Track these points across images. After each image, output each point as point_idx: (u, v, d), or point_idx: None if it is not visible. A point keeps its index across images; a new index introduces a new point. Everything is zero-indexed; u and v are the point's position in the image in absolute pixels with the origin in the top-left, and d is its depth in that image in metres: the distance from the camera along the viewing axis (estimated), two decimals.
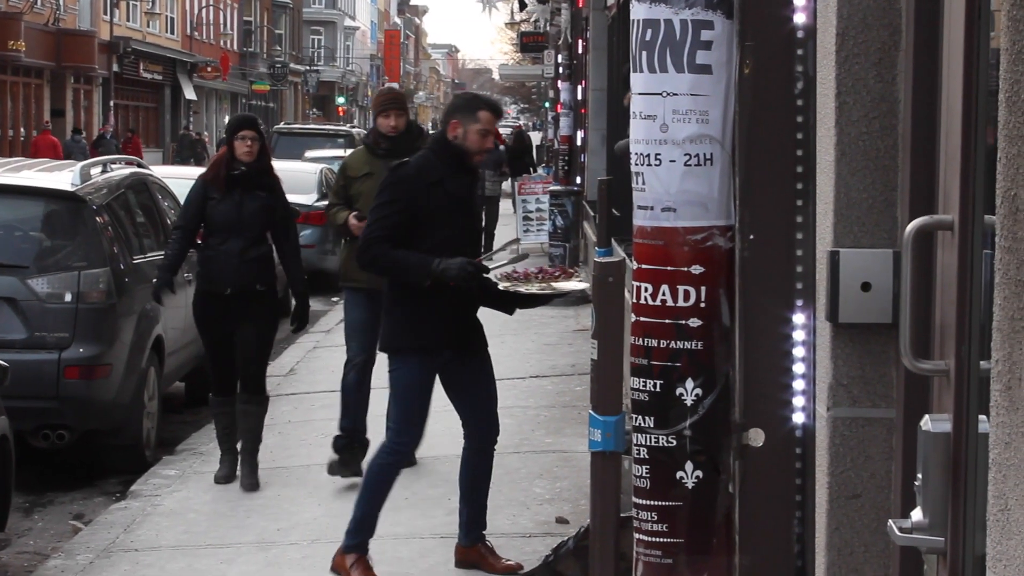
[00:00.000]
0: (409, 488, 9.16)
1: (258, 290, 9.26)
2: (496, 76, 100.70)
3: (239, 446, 9.49)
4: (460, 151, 7.34)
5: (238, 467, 9.45)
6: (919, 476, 3.11)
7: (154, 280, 9.79)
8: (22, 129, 45.54)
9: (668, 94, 3.10)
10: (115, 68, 52.69)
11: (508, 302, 7.48)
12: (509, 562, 7.53)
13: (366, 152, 9.53)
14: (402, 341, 7.32)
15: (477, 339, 7.48)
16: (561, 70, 28.03)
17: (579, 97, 24.22)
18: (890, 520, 3.16)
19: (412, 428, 7.45)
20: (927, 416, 3.13)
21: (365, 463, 8.02)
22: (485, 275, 7.30)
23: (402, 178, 7.34)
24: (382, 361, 8.01)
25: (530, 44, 42.84)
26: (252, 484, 9.28)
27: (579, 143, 23.41)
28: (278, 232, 9.42)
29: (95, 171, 11.04)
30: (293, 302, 9.70)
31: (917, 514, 3.10)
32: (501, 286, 7.32)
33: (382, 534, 8.18)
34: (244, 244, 9.20)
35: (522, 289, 7.31)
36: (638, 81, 3.11)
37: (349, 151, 15.05)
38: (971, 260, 3.09)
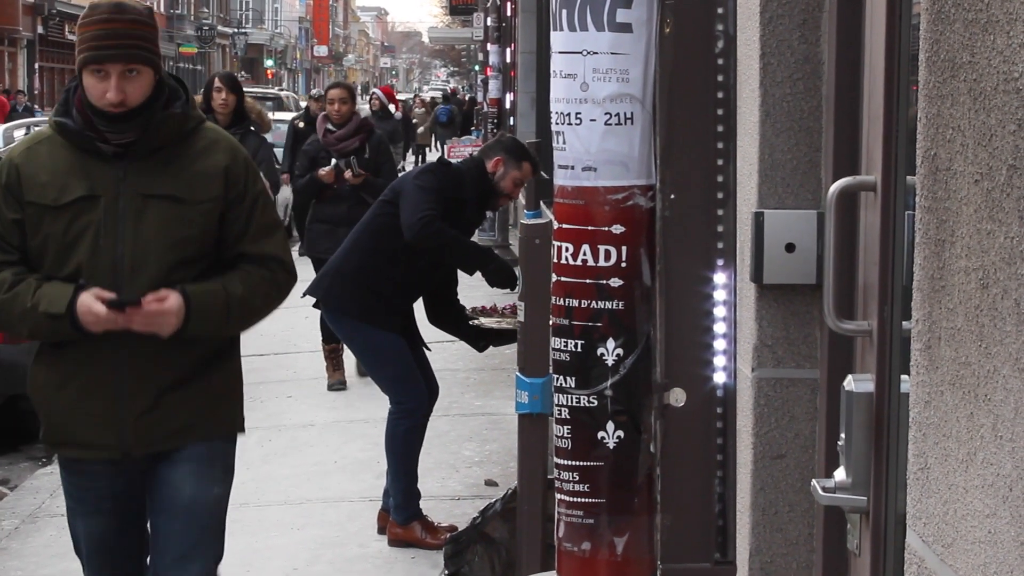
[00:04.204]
0: (338, 451, 9.16)
1: None
2: (426, 39, 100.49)
3: None
4: (492, 188, 7.21)
5: None
6: (842, 436, 3.12)
7: None
8: None
9: (588, 52, 3.08)
10: (40, 30, 52.12)
11: (479, 337, 7.53)
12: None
13: (74, 151, 4.37)
14: (382, 317, 7.17)
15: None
16: (490, 33, 27.96)
17: (508, 60, 24.19)
18: (814, 480, 3.18)
19: (408, 386, 7.26)
20: (850, 376, 3.14)
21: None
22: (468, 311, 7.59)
23: (451, 177, 7.16)
24: None
25: (460, 7, 42.71)
26: None
27: (508, 106, 23.38)
28: None
29: (19, 133, 10.91)
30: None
31: (840, 474, 3.12)
32: (473, 322, 7.38)
33: (311, 498, 8.18)
34: None
35: (491, 324, 7.38)
36: (558, 39, 3.10)
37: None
38: (893, 220, 3.10)
